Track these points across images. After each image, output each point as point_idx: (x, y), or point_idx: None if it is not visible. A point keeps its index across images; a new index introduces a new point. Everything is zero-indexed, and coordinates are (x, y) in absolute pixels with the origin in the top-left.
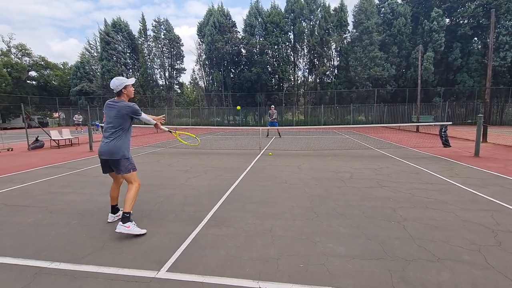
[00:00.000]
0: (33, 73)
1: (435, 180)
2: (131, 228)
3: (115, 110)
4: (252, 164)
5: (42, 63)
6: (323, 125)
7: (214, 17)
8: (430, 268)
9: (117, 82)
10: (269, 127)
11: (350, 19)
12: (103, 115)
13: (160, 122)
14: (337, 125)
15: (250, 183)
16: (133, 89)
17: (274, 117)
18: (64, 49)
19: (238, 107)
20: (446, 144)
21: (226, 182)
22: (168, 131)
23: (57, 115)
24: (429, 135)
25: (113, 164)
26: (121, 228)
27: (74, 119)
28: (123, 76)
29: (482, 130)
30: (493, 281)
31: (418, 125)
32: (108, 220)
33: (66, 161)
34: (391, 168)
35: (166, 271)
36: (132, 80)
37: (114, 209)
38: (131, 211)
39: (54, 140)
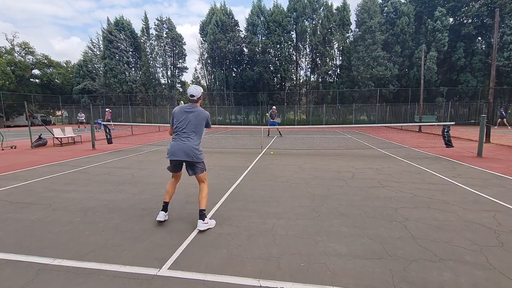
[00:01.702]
0: (36, 72)
1: (437, 180)
2: (210, 222)
3: (195, 114)
4: (253, 163)
5: (45, 61)
6: (325, 124)
7: (216, 16)
8: (432, 268)
9: (199, 89)
10: (269, 127)
11: (352, 18)
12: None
13: None
14: (339, 124)
15: (252, 182)
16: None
17: (274, 118)
18: (67, 48)
19: (268, 114)
20: (448, 144)
21: (228, 181)
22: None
23: (60, 113)
24: (432, 135)
25: (192, 164)
26: (204, 226)
27: (78, 118)
28: (125, 74)
29: (485, 130)
30: (495, 281)
31: (420, 125)
32: (159, 219)
33: (69, 159)
34: (393, 168)
35: (168, 268)
36: None
37: (166, 207)
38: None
39: (57, 138)
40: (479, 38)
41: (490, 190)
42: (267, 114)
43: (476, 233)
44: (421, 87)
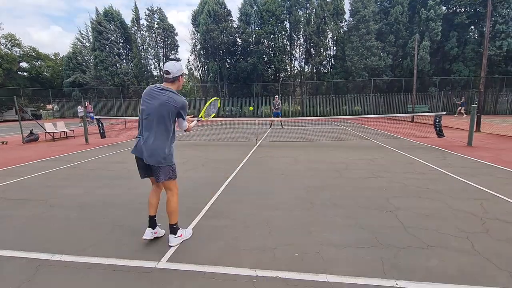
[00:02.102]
0: (24, 65)
1: (428, 170)
2: (184, 235)
3: (162, 100)
4: (249, 156)
5: (33, 54)
6: (319, 115)
7: (208, 6)
8: (420, 255)
9: (179, 66)
10: (273, 118)
11: (346, 7)
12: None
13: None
14: (333, 115)
15: (247, 175)
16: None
17: (278, 107)
18: (54, 39)
19: (251, 108)
20: (440, 134)
21: (223, 173)
22: (197, 121)
23: (51, 107)
24: (424, 125)
25: (155, 168)
26: (175, 240)
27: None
28: (116, 66)
29: (475, 120)
30: (479, 266)
31: (413, 115)
32: (146, 238)
33: (63, 154)
34: (385, 158)
35: (167, 261)
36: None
37: (153, 222)
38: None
39: (48, 133)
40: (472, 27)
41: (478, 179)
42: (251, 108)
43: (463, 221)
44: (414, 77)
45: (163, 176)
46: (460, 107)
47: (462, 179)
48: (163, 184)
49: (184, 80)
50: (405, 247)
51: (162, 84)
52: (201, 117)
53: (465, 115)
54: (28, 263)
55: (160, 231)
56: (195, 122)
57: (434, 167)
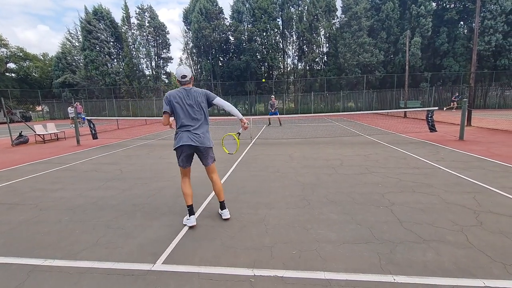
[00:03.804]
0: (11, 65)
1: (422, 164)
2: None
3: (194, 95)
4: (243, 154)
5: (21, 54)
6: (313, 112)
7: (200, 3)
8: (416, 249)
9: (189, 68)
10: (270, 116)
11: (338, 4)
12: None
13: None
14: (327, 112)
15: (243, 173)
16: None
17: (275, 107)
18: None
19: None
20: (432, 129)
21: (218, 172)
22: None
23: (41, 109)
24: (417, 120)
25: (204, 152)
26: (228, 213)
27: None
28: (107, 66)
29: (466, 114)
30: (474, 259)
31: (406, 111)
32: (192, 224)
33: (53, 156)
34: (379, 154)
35: (162, 263)
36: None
37: (192, 209)
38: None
39: (39, 135)
40: (461, 23)
41: (470, 172)
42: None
43: (457, 214)
44: (406, 73)
45: (211, 158)
46: (454, 101)
47: (455, 173)
48: (209, 168)
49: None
50: (401, 242)
51: (183, 87)
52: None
53: (454, 110)
54: (19, 269)
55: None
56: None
57: (428, 161)
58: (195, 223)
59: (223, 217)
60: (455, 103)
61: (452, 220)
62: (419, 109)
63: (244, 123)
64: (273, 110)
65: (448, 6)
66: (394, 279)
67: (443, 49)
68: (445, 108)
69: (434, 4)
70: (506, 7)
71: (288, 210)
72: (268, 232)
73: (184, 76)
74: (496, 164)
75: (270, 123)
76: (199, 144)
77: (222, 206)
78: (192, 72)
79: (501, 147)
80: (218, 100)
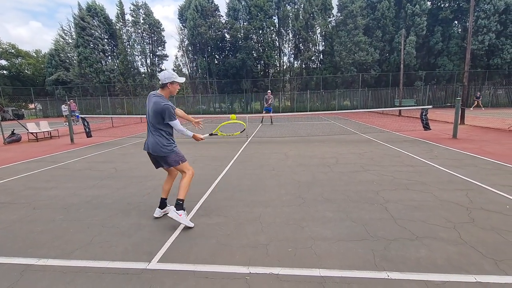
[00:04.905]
0: (3, 62)
1: (416, 162)
2: (182, 216)
3: (153, 104)
4: (239, 152)
5: (13, 51)
6: (309, 111)
7: (196, 0)
8: (410, 246)
9: (167, 74)
10: (264, 114)
11: (334, 2)
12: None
13: (198, 123)
14: (323, 110)
15: (238, 172)
16: (179, 88)
17: (269, 102)
18: (33, 35)
19: (233, 116)
20: (426, 127)
21: (214, 171)
22: (210, 134)
23: (34, 106)
24: (411, 119)
25: (162, 158)
26: (173, 214)
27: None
28: (101, 63)
29: (460, 113)
30: (466, 255)
31: (400, 109)
32: (155, 215)
33: (47, 155)
34: (374, 152)
35: (157, 261)
36: (182, 79)
37: (163, 203)
38: (184, 199)
39: (31, 133)
40: (456, 22)
41: (463, 170)
42: (233, 116)
43: (450, 211)
44: (401, 72)
45: (174, 162)
46: (477, 99)
47: (448, 171)
48: (176, 169)
49: (177, 87)
50: (395, 239)
51: (157, 90)
52: (216, 133)
53: (483, 108)
54: (12, 268)
55: (168, 208)
56: (206, 135)
57: (422, 159)
58: (158, 215)
59: (168, 214)
60: (479, 101)
61: (445, 217)
62: (413, 107)
63: (198, 138)
64: (266, 105)
65: (442, 5)
66: (388, 276)
67: (438, 48)
68: (471, 108)
69: (429, 3)
70: (499, 7)
71: (283, 208)
72: (264, 230)
73: (159, 80)
74: (488, 162)
75: (262, 123)
76: (151, 151)
77: (177, 204)
78: (173, 77)
79: (493, 145)
80: (172, 123)
